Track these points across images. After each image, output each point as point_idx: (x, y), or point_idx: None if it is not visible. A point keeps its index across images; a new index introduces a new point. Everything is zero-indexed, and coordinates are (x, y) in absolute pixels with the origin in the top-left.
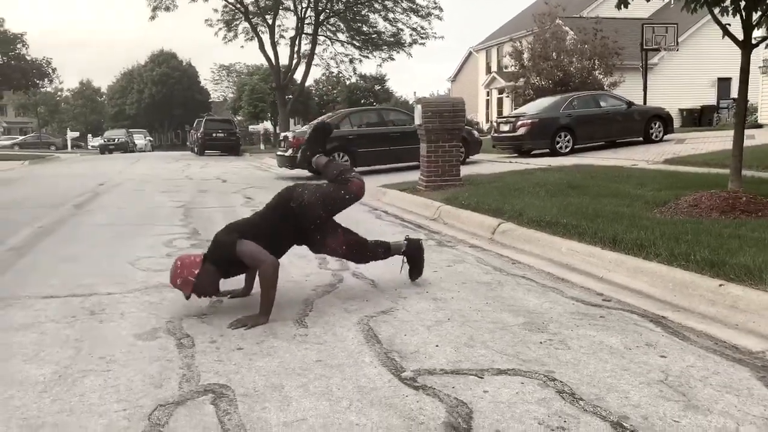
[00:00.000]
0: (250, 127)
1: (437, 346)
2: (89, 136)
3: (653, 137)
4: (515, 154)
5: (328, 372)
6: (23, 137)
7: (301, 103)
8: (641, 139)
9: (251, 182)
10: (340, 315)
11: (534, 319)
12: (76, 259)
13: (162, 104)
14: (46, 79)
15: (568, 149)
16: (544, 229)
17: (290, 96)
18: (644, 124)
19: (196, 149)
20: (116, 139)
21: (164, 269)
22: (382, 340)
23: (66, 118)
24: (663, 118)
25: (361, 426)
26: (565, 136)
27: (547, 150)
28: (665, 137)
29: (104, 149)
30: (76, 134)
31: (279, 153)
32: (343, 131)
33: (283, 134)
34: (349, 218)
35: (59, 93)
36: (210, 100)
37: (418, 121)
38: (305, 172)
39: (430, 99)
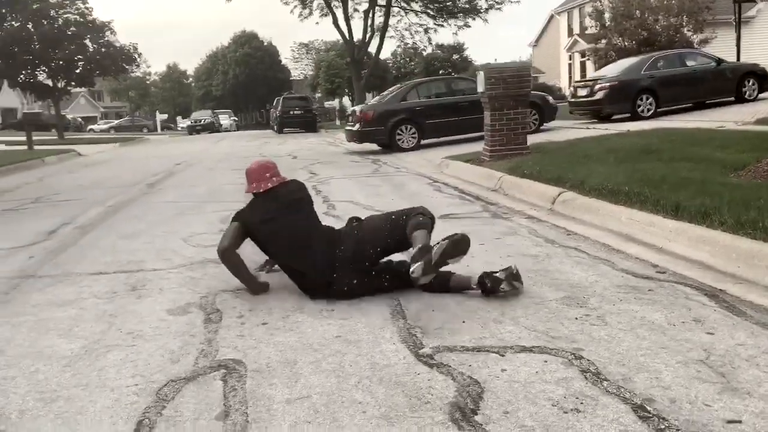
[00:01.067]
0: (326, 103)
1: (464, 322)
2: (179, 117)
3: (747, 96)
4: (594, 120)
5: (344, 348)
6: (118, 121)
7: (377, 76)
8: (733, 98)
9: (320, 158)
10: None
11: (575, 294)
12: (133, 237)
13: (246, 84)
14: (133, 65)
15: (650, 113)
16: (605, 198)
17: (365, 70)
18: (736, 83)
19: (275, 127)
20: (202, 120)
21: (214, 245)
22: (409, 316)
23: (156, 101)
24: (758, 75)
25: (364, 404)
26: (647, 99)
27: (628, 114)
28: (761, 96)
29: (192, 130)
30: (165, 116)
31: (347, 128)
32: (410, 103)
33: (351, 108)
34: (407, 191)
35: (148, 77)
36: (291, 78)
37: (480, 88)
38: (372, 146)
39: (494, 64)
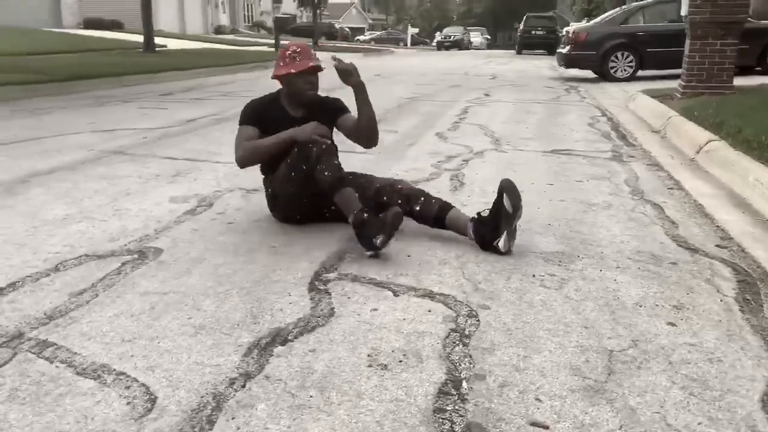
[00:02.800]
0: (571, 24)
1: (409, 256)
2: (437, 33)
3: None
4: None
5: (267, 259)
6: (379, 33)
7: None
8: None
9: (517, 81)
10: None
11: (574, 251)
12: None
13: (508, 1)
14: None
15: None
16: (751, 152)
17: None
18: None
19: (516, 48)
20: (452, 37)
21: None
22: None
23: (414, 14)
24: None
25: (201, 312)
26: None
27: None
28: None
29: (440, 46)
30: (416, 30)
31: (558, 50)
32: (631, 26)
33: (565, 29)
34: (556, 122)
35: None
36: None
37: (683, 11)
38: (586, 73)
39: None
